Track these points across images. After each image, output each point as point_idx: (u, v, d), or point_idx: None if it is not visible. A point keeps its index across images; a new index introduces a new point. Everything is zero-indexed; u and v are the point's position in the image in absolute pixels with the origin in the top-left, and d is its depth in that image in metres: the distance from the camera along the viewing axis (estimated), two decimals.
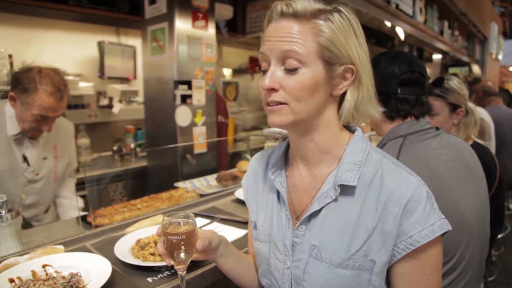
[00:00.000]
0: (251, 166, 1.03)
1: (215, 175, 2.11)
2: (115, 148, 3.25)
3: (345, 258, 0.75)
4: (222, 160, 3.40)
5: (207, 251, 0.88)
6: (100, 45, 3.22)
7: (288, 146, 0.94)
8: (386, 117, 1.29)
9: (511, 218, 3.40)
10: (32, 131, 1.68)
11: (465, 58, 7.41)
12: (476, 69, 7.72)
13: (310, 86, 0.74)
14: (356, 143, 0.83)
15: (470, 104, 1.80)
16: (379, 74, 1.28)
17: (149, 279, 1.02)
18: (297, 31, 0.74)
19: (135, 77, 3.58)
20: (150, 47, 2.65)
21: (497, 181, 1.72)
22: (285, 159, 0.93)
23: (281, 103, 0.75)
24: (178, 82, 2.51)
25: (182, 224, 0.82)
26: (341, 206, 0.78)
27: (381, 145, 1.32)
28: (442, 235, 0.75)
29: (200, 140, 2.72)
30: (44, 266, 1.02)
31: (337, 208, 0.79)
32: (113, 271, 1.00)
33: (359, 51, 0.77)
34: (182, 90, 2.53)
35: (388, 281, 0.80)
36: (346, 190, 0.78)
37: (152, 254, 1.10)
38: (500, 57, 10.58)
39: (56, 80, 1.64)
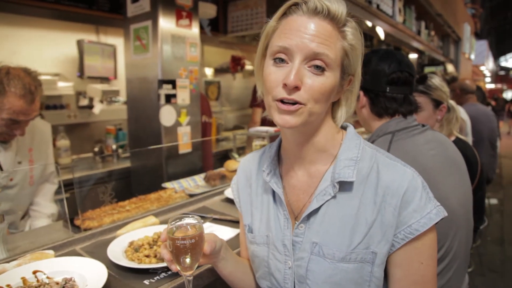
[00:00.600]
0: (242, 169, 1.01)
1: (202, 175, 2.10)
2: (96, 149, 3.17)
3: (347, 252, 0.76)
4: (207, 160, 3.38)
5: (211, 255, 0.85)
6: (80, 43, 3.14)
7: (279, 146, 0.93)
8: (375, 114, 1.32)
9: (488, 211, 3.53)
10: (4, 135, 1.57)
11: (440, 58, 7.65)
12: (450, 68, 7.98)
13: (330, 90, 0.74)
14: (350, 139, 0.84)
15: (451, 101, 1.86)
16: (370, 72, 1.31)
17: (146, 282, 1.00)
18: (330, 34, 0.73)
19: (115, 77, 3.50)
20: (132, 46, 2.60)
21: (478, 175, 1.79)
22: (278, 159, 0.92)
23: (299, 103, 0.72)
24: (162, 82, 2.47)
25: (189, 228, 0.78)
26: (339, 202, 0.79)
27: (370, 142, 1.34)
28: (437, 223, 0.77)
29: (185, 140, 2.69)
30: (34, 272, 0.99)
31: (336, 205, 0.79)
32: (108, 275, 0.97)
33: (360, 61, 0.80)
34: (166, 89, 2.50)
35: (385, 271, 0.81)
36: (344, 186, 0.79)
37: (147, 256, 1.09)
38: (472, 56, 10.98)
39: (27, 81, 1.51)
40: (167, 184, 1.92)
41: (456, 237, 1.22)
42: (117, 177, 2.79)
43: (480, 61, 13.81)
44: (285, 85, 0.71)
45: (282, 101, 0.73)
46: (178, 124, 2.63)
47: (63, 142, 2.96)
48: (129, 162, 2.89)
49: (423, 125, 1.35)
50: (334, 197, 0.79)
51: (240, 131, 4.30)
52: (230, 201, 1.72)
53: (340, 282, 0.77)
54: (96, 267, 1.00)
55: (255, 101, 3.82)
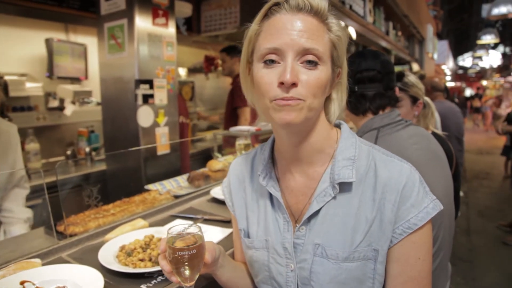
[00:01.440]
0: (233, 172, 0.99)
1: (185, 176, 2.06)
2: (68, 152, 3.05)
3: (350, 252, 0.76)
4: (185, 161, 3.33)
5: (211, 263, 0.82)
6: (48, 42, 3.00)
7: (271, 147, 0.92)
8: (353, 113, 1.37)
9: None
10: None
11: (407, 57, 7.93)
12: (416, 67, 8.30)
13: (326, 83, 0.75)
14: (346, 138, 0.84)
15: (426, 98, 1.94)
16: None
17: (143, 286, 0.97)
18: (316, 28, 0.73)
19: (86, 77, 3.38)
20: (107, 45, 2.52)
21: (454, 167, 1.88)
22: (272, 162, 0.91)
23: (299, 99, 0.71)
24: (140, 81, 2.41)
25: (190, 237, 0.75)
26: (340, 203, 0.79)
27: None
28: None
29: (163, 141, 2.64)
30: (22, 283, 0.93)
31: (336, 205, 0.79)
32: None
33: (346, 53, 0.81)
34: (143, 89, 2.44)
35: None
36: (343, 186, 0.79)
37: (141, 260, 1.05)
38: (435, 56, 11.48)
39: None
40: (150, 186, 1.87)
41: (441, 226, 1.28)
42: (93, 180, 2.69)
43: (442, 60, 14.46)
44: (281, 84, 0.70)
45: (283, 99, 0.71)
46: (156, 124, 2.57)
47: (32, 146, 2.81)
48: (105, 165, 2.80)
49: (406, 121, 1.40)
50: (334, 197, 0.79)
51: (220, 131, 4.26)
52: (217, 201, 1.70)
53: (345, 281, 0.77)
54: (90, 273, 0.96)
55: (246, 101, 3.79)
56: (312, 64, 0.72)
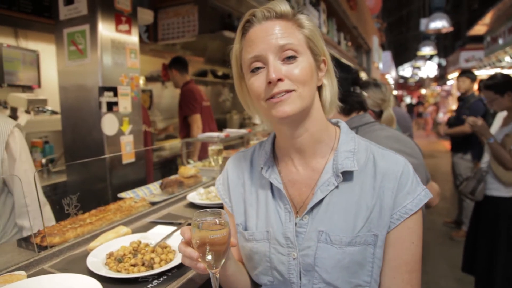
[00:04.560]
0: (231, 168, 1.02)
1: (156, 184, 2.03)
2: None
3: (352, 236, 0.83)
4: (148, 169, 3.26)
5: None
6: None
7: (272, 143, 0.98)
8: (344, 113, 1.48)
9: None
10: None
11: (356, 67, 8.38)
12: (364, 76, 8.79)
13: (310, 71, 0.83)
14: (346, 133, 0.93)
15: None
16: None
17: None
18: (286, 27, 0.82)
19: (39, 86, 3.21)
20: (67, 51, 2.42)
21: None
22: (273, 157, 0.96)
23: (289, 91, 0.80)
24: (104, 89, 2.34)
25: (217, 221, 0.75)
26: (342, 191, 0.86)
27: None
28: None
29: (128, 149, 2.58)
30: None
31: (339, 194, 0.86)
32: None
33: (323, 42, 0.89)
34: (108, 97, 2.37)
35: None
36: (345, 175, 0.86)
37: (134, 265, 1.04)
38: (380, 66, 12.23)
39: None
40: (123, 194, 1.83)
41: None
42: (52, 193, 2.55)
43: (386, 70, 15.47)
44: (269, 83, 0.79)
45: (274, 96, 0.80)
46: (120, 133, 2.51)
47: None
48: (64, 176, 2.67)
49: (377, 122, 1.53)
50: (337, 187, 0.86)
51: (179, 140, 4.22)
52: (194, 206, 1.70)
53: (348, 265, 0.82)
54: (85, 281, 0.93)
55: (194, 109, 3.79)
56: (292, 58, 0.81)
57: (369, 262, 0.84)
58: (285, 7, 0.83)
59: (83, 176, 2.53)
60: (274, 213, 0.90)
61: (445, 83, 18.28)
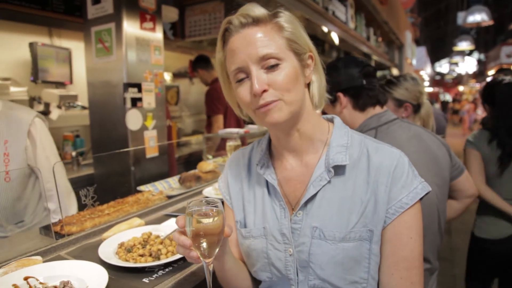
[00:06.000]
0: (231, 166, 1.04)
1: (176, 178, 2.08)
2: None
3: (346, 232, 0.82)
4: (171, 163, 3.34)
5: (222, 245, 0.82)
6: (32, 46, 2.97)
7: (269, 141, 0.98)
8: (359, 109, 1.43)
9: None
10: None
11: (387, 63, 8.16)
12: (395, 72, 8.54)
13: (294, 76, 0.81)
14: (339, 128, 0.92)
15: (425, 101, 1.95)
16: (342, 75, 1.42)
17: (146, 280, 1.00)
18: (265, 34, 0.80)
19: (71, 82, 3.36)
20: (94, 48, 2.52)
21: None
22: (269, 154, 0.97)
23: (275, 101, 0.79)
24: (128, 85, 2.42)
25: (210, 210, 0.74)
26: (335, 186, 0.85)
27: None
28: (421, 199, 0.84)
29: (151, 144, 2.65)
30: (26, 279, 0.94)
31: (332, 189, 0.85)
32: None
33: (306, 35, 0.88)
34: (132, 93, 2.45)
35: None
36: (338, 171, 0.85)
37: (142, 255, 1.08)
38: (414, 62, 11.83)
39: None
40: (142, 187, 1.89)
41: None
42: (81, 184, 2.67)
43: (420, 66, 14.94)
44: (254, 96, 0.79)
45: (262, 106, 0.80)
46: (144, 128, 2.58)
47: None
48: (92, 169, 2.79)
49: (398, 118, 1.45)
50: (329, 182, 0.85)
51: (203, 135, 4.29)
52: None
53: (343, 261, 0.82)
54: (94, 269, 0.98)
55: (217, 110, 3.80)
56: (274, 66, 0.80)
57: (366, 258, 0.82)
58: (259, 11, 0.82)
59: (109, 169, 2.64)
60: (270, 209, 0.91)
61: (484, 80, 17.44)
